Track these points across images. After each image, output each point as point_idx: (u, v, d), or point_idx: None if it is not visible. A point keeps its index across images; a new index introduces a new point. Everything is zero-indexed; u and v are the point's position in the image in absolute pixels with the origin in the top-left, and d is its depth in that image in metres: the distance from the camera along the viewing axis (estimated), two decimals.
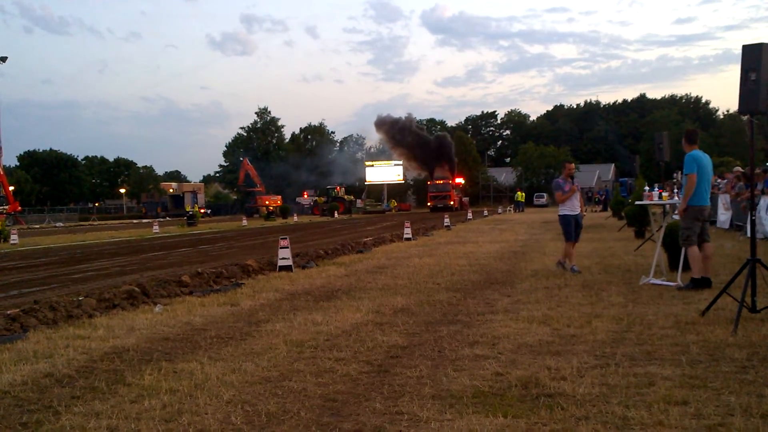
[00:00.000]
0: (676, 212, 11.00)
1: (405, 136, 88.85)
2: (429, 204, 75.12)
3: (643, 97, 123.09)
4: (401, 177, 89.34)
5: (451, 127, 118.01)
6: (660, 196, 11.16)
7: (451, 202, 72.92)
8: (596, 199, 56.77)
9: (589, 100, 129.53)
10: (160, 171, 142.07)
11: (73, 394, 5.32)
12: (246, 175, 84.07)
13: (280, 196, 78.67)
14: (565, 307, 8.51)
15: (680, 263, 10.18)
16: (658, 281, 10.22)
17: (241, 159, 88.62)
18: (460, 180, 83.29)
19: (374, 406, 4.80)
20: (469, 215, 39.91)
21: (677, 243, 10.35)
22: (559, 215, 12.47)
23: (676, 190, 10.24)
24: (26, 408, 5.01)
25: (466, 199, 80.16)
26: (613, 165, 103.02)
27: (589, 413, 4.49)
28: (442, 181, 77.34)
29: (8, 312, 8.57)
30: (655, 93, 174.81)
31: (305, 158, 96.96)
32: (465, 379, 5.37)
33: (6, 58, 54.21)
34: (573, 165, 13.09)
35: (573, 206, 12.33)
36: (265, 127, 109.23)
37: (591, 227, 27.02)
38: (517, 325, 7.42)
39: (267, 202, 71.52)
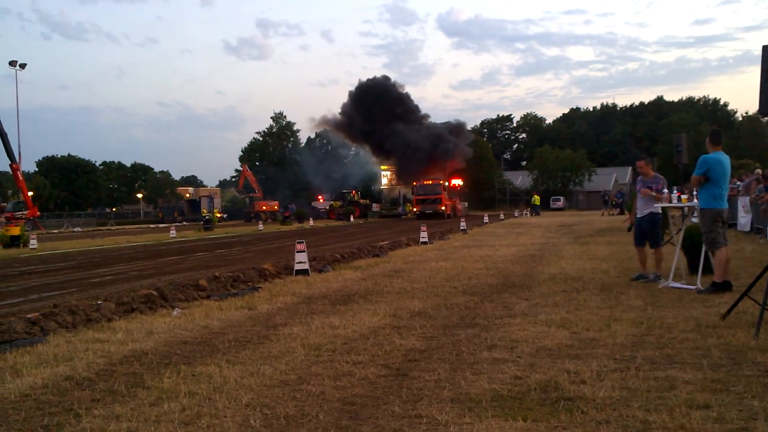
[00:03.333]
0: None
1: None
2: (414, 210, 62.69)
3: (660, 99, 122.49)
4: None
5: (467, 130, 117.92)
6: (679, 199, 11.08)
7: (442, 208, 60.00)
8: (613, 202, 56.41)
9: (605, 103, 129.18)
10: (176, 176, 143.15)
11: (93, 397, 5.35)
12: (246, 181, 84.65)
13: (277, 202, 79.54)
14: (583, 310, 8.46)
15: (700, 266, 10.09)
16: (678, 284, 10.14)
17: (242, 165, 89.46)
18: (456, 181, 71.47)
19: (393, 410, 4.78)
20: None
21: (697, 246, 10.28)
22: None
23: (695, 193, 10.12)
24: (47, 411, 5.04)
25: (462, 205, 68.85)
26: (630, 168, 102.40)
27: (609, 417, 4.46)
28: (431, 181, 62.94)
29: (29, 316, 8.63)
30: (673, 95, 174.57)
31: (320, 162, 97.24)
32: (484, 382, 5.35)
33: (25, 64, 54.72)
34: (641, 162, 11.75)
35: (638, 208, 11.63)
36: (280, 131, 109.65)
37: (608, 230, 26.90)
38: (536, 329, 7.38)
39: (264, 207, 73.08)
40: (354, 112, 71.82)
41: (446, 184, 64.03)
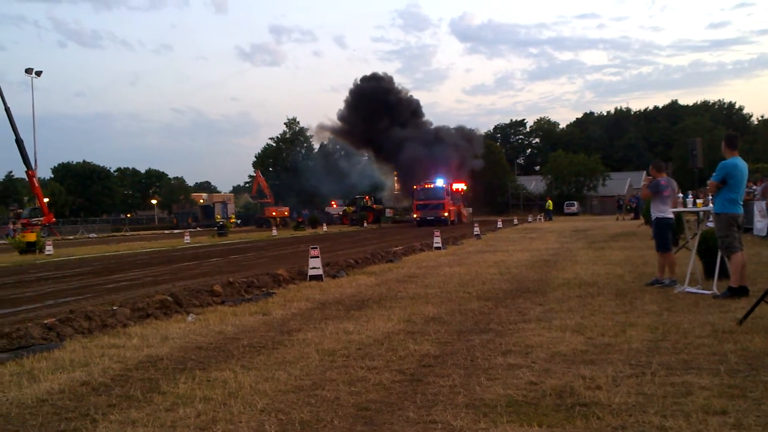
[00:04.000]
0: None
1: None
2: (414, 216, 57.11)
3: (674, 103, 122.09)
4: None
5: (480, 135, 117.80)
6: (694, 204, 11.03)
7: (446, 214, 55.14)
8: (627, 207, 56.18)
9: (619, 107, 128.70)
10: (190, 182, 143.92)
11: (109, 402, 5.38)
12: (259, 187, 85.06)
13: (287, 208, 79.98)
14: (598, 315, 8.42)
15: (716, 271, 10.03)
16: (693, 290, 10.08)
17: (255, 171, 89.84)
18: (459, 185, 65.09)
19: (407, 415, 4.78)
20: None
21: (712, 251, 10.21)
22: None
23: (710, 197, 10.11)
24: (64, 416, 5.07)
25: (466, 210, 65.40)
26: (644, 172, 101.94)
27: (625, 423, 4.43)
28: (432, 185, 57.46)
29: (45, 321, 8.68)
30: (688, 99, 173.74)
31: (334, 168, 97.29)
32: (498, 388, 5.33)
33: (41, 72, 55.14)
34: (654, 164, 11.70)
35: None
36: (294, 137, 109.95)
37: (623, 235, 26.78)
38: (550, 334, 7.36)
39: (273, 213, 73.66)
40: (352, 117, 71.09)
41: (449, 187, 59.08)
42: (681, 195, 11.28)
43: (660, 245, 11.17)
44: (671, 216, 11.22)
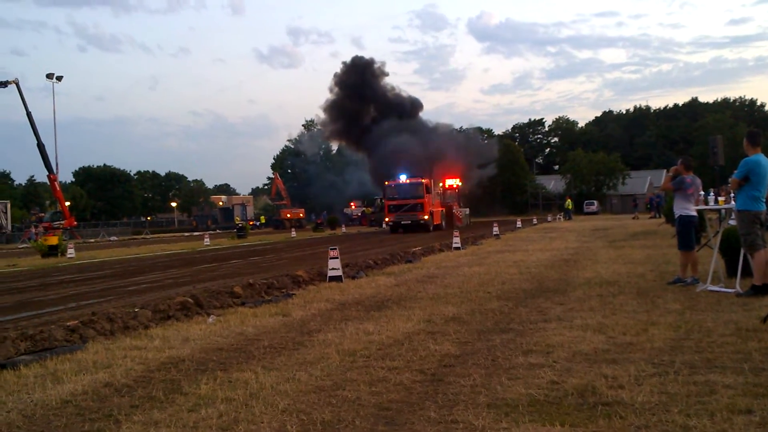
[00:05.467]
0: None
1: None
2: (386, 220, 45.43)
3: (694, 101, 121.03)
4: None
5: (499, 135, 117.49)
6: (716, 201, 10.93)
7: (425, 216, 43.26)
8: (648, 206, 55.77)
9: (639, 105, 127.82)
10: (209, 184, 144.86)
11: (132, 403, 5.41)
12: (277, 189, 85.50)
13: (302, 209, 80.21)
14: (619, 314, 8.37)
15: (738, 269, 9.93)
16: (716, 288, 9.98)
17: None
18: (453, 181, 54.26)
19: (429, 415, 4.77)
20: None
21: (735, 249, 10.12)
22: None
23: (732, 195, 10.00)
24: (88, 417, 5.12)
25: (462, 212, 53.73)
26: (665, 171, 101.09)
27: (648, 422, 4.40)
28: (408, 180, 45.07)
29: (68, 324, 8.76)
30: (708, 96, 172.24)
31: (352, 169, 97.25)
32: (520, 387, 5.31)
33: (61, 77, 55.64)
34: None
35: None
36: (312, 139, 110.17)
37: (643, 234, 26.61)
38: (572, 334, 7.32)
39: (288, 215, 73.84)
40: (336, 114, 63.78)
41: (430, 184, 45.92)
42: (703, 193, 11.12)
43: (683, 243, 11.07)
44: (695, 214, 11.10)
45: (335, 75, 65.39)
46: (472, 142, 73.60)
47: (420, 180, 44.89)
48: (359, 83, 61.48)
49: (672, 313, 8.30)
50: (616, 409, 4.68)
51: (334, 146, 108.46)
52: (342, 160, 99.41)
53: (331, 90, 65.07)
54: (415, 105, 67.76)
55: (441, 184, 51.67)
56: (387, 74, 66.84)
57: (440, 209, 47.95)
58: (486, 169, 70.89)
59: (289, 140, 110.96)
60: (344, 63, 63.13)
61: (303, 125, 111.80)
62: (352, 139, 67.45)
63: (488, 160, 71.78)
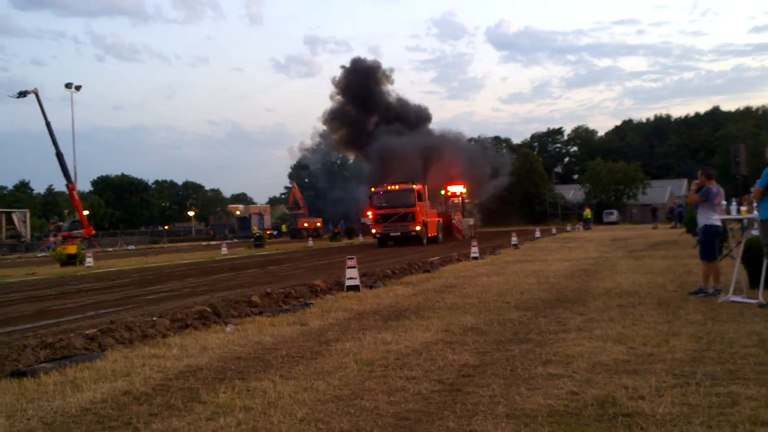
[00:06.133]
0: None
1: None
2: (373, 231, 39.95)
3: (716, 109, 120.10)
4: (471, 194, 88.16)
5: (517, 144, 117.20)
6: (738, 211, 10.82)
7: (417, 227, 37.95)
8: (669, 215, 55.38)
9: (659, 114, 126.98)
10: (227, 193, 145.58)
11: (151, 411, 5.43)
12: (294, 198, 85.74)
13: (320, 219, 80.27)
14: (640, 325, 8.29)
15: (761, 280, 9.81)
16: (738, 299, 9.87)
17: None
18: (456, 188, 48.61)
19: (447, 425, 4.74)
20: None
21: (757, 259, 10.00)
22: None
23: (755, 204, 9.89)
24: (107, 424, 5.13)
25: (465, 222, 46.77)
26: (686, 180, 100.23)
27: None
28: (398, 186, 39.82)
29: (87, 332, 8.81)
30: (730, 105, 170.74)
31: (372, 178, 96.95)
32: (539, 398, 5.27)
33: (80, 86, 56.19)
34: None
35: None
36: (329, 148, 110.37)
37: (664, 244, 26.41)
38: (591, 344, 7.26)
39: (306, 225, 74.04)
40: (342, 125, 60.61)
41: (423, 190, 40.25)
42: (725, 202, 11.01)
43: (706, 253, 10.96)
44: (719, 224, 10.99)
45: (335, 80, 61.92)
46: (484, 151, 72.22)
47: (410, 186, 39.39)
48: (360, 90, 57.12)
49: (693, 324, 8.21)
50: (637, 420, 4.64)
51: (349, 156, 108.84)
52: (348, 171, 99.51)
53: (332, 97, 61.71)
54: (421, 115, 64.22)
55: (443, 192, 47.73)
56: (391, 80, 63.18)
57: (436, 219, 42.08)
58: (498, 179, 70.20)
59: (303, 150, 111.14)
60: (343, 67, 58.80)
61: (320, 135, 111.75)
62: (357, 148, 64.66)
63: (501, 169, 70.96)
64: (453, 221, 44.85)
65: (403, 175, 44.15)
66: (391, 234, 38.49)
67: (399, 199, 38.75)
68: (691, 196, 11.45)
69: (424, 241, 38.35)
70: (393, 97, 59.26)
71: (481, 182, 64.94)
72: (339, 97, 59.14)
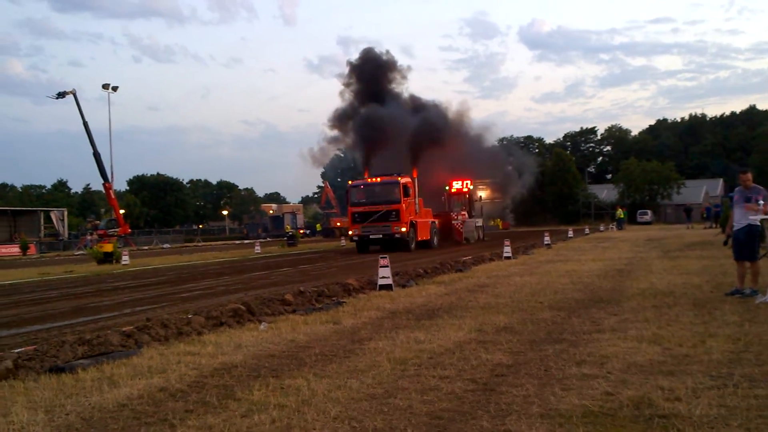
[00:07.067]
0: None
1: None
2: (349, 233, 34.24)
3: (753, 108, 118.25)
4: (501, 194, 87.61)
5: (550, 144, 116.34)
6: None
7: (402, 229, 31.72)
8: (704, 215, 54.54)
9: (694, 113, 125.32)
10: (260, 192, 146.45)
11: (187, 408, 5.49)
12: (327, 197, 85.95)
13: None
14: (675, 326, 8.20)
15: None
16: None
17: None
18: (460, 183, 42.21)
19: (481, 425, 4.74)
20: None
21: None
22: None
23: None
24: (143, 420, 5.20)
25: (464, 222, 39.55)
26: (721, 180, 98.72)
27: None
28: (379, 179, 33.63)
29: (124, 329, 8.93)
30: (767, 104, 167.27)
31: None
32: (573, 398, 5.24)
33: (117, 87, 56.84)
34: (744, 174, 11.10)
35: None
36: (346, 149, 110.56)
37: (699, 244, 26.05)
38: (626, 344, 7.19)
39: (338, 224, 74.29)
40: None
41: (411, 184, 34.12)
42: (762, 202, 10.79)
43: (748, 254, 10.76)
44: (759, 224, 10.80)
45: (342, 76, 50.84)
46: (506, 150, 70.06)
47: (395, 178, 32.83)
48: (369, 89, 45.23)
49: (730, 325, 8.10)
50: (674, 421, 4.59)
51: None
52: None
53: (342, 95, 50.25)
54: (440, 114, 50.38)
55: (447, 188, 41.94)
56: (406, 77, 52.23)
57: (429, 219, 35.61)
58: (523, 177, 69.21)
59: (339, 149, 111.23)
60: (349, 62, 47.27)
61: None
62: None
63: (525, 169, 69.92)
64: (456, 223, 38.99)
65: (395, 165, 37.17)
66: (371, 236, 32.33)
67: (381, 194, 32.81)
68: (765, 207, 10.92)
69: (412, 245, 32.31)
70: (406, 96, 47.98)
71: (507, 182, 62.58)
72: (348, 95, 48.23)
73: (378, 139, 38.38)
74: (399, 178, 32.75)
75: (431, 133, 38.61)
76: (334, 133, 47.27)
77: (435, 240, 35.49)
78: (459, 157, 44.24)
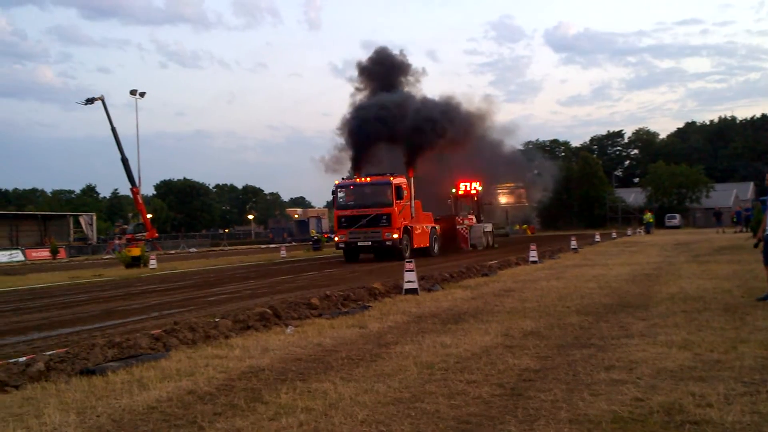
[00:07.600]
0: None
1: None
2: (335, 239, 30.59)
3: None
4: (525, 199, 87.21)
5: (576, 147, 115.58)
6: None
7: (394, 235, 28.25)
8: (734, 219, 53.84)
9: (724, 116, 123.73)
10: (285, 197, 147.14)
11: (215, 410, 5.52)
12: None
13: None
14: (706, 331, 8.10)
15: None
16: None
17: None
18: (467, 185, 39.06)
19: (509, 429, 4.71)
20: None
21: None
22: None
23: None
24: (173, 423, 5.24)
25: (470, 227, 36.90)
26: (752, 183, 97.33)
27: None
28: (369, 179, 30.25)
29: (152, 332, 9.01)
30: None
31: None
32: (602, 403, 5.19)
33: (144, 93, 57.43)
34: None
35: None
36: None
37: (729, 249, 25.72)
38: (655, 350, 7.12)
39: None
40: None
41: (406, 185, 30.39)
42: None
43: None
44: None
45: (352, 80, 44.80)
46: (526, 155, 69.55)
47: (387, 178, 29.53)
48: (380, 90, 39.21)
49: (762, 331, 7.98)
50: (705, 428, 4.54)
51: None
52: None
53: (352, 96, 44.48)
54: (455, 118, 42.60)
55: (453, 191, 38.69)
56: (420, 80, 44.61)
57: (429, 225, 32.48)
58: (543, 179, 68.64)
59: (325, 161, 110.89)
60: (359, 65, 41.52)
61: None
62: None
63: (544, 174, 69.46)
64: (459, 227, 35.97)
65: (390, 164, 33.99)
66: (359, 243, 29.02)
67: (371, 196, 29.44)
68: None
69: (406, 253, 27.97)
70: (418, 100, 40.34)
71: (530, 187, 62.12)
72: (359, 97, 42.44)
73: (369, 133, 33.90)
74: (391, 179, 29.41)
75: (429, 129, 33.85)
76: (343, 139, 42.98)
77: (435, 247, 32.37)
78: (474, 158, 41.36)
